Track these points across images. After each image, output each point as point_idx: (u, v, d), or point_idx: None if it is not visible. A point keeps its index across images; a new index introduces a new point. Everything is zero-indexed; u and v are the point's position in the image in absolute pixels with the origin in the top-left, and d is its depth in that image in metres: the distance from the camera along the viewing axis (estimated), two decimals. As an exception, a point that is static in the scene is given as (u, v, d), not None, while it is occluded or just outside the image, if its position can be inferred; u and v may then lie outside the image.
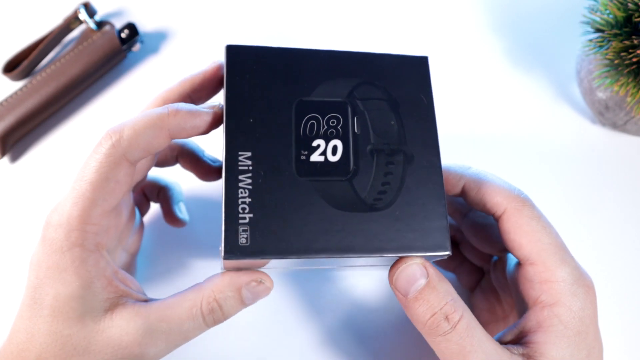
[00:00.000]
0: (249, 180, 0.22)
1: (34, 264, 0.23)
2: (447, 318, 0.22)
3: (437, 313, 0.22)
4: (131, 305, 0.23)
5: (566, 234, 0.36)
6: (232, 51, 0.24)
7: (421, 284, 0.22)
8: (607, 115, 0.36)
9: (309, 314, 0.33)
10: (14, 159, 0.37)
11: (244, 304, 0.24)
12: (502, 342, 0.24)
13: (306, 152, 0.23)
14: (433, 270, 0.23)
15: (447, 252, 0.23)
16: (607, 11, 0.33)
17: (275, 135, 0.23)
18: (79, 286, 0.22)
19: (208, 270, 0.29)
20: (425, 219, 0.23)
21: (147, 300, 0.24)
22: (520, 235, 0.24)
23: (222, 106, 0.24)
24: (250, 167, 0.23)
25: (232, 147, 0.23)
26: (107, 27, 0.38)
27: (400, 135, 0.24)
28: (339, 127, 0.24)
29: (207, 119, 0.23)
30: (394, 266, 0.23)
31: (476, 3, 0.43)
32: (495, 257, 0.30)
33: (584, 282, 0.24)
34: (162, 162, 0.30)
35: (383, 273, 0.33)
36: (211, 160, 0.31)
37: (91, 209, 0.22)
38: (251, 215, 0.22)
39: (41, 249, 0.23)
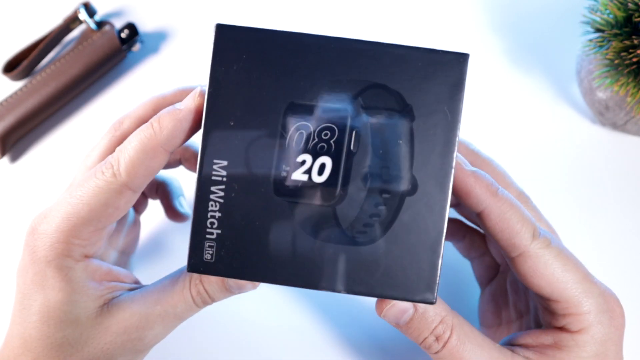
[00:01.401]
0: (222, 193, 0.20)
1: (21, 271, 0.23)
2: (437, 339, 0.23)
3: (428, 337, 0.23)
4: (124, 295, 0.23)
5: (566, 234, 0.36)
6: (222, 33, 0.21)
7: (409, 315, 0.23)
8: (607, 115, 0.36)
9: (307, 315, 0.33)
10: (14, 159, 0.37)
11: (229, 291, 0.23)
12: (513, 343, 0.25)
13: (288, 169, 0.20)
14: None
15: (432, 303, 0.21)
16: (607, 11, 0.33)
17: (257, 144, 0.20)
18: (69, 292, 0.22)
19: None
20: (411, 269, 0.20)
21: (140, 288, 0.24)
22: (539, 279, 0.23)
23: (204, 90, 0.21)
24: (224, 179, 0.20)
25: (207, 152, 0.20)
26: (107, 27, 0.38)
27: (406, 158, 0.20)
28: (331, 142, 0.20)
29: (190, 117, 0.21)
30: (381, 302, 0.23)
31: (476, 3, 0.43)
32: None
33: (608, 307, 0.23)
34: (165, 166, 0.30)
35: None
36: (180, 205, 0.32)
37: (82, 228, 0.22)
38: (219, 231, 0.20)
39: (26, 255, 0.23)
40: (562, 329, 0.24)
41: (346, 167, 0.20)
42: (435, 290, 0.20)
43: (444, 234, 0.20)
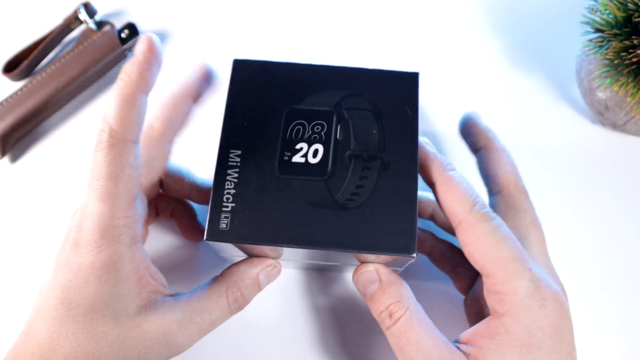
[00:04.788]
0: (236, 175, 0.25)
1: (63, 266, 0.23)
2: (390, 315, 0.25)
3: (384, 311, 0.25)
4: (161, 300, 0.24)
5: (566, 234, 0.36)
6: (237, 64, 0.28)
7: (374, 287, 0.25)
8: (607, 115, 0.36)
9: (304, 314, 0.33)
10: (14, 159, 0.37)
11: (260, 288, 0.27)
12: (459, 341, 0.25)
13: (289, 154, 0.26)
14: (385, 276, 0.26)
15: (412, 255, 0.24)
16: (607, 11, 0.33)
17: (264, 138, 0.26)
18: (114, 283, 0.23)
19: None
20: (394, 222, 0.25)
21: (173, 295, 0.25)
22: (473, 249, 0.24)
23: (150, 36, 0.23)
24: (238, 163, 0.25)
25: (225, 145, 0.26)
26: (107, 27, 0.38)
27: (380, 143, 0.26)
28: (322, 133, 0.26)
29: (147, 57, 0.23)
30: (356, 270, 0.26)
31: (475, 3, 0.43)
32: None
33: (540, 295, 0.23)
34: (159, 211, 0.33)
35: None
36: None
37: (118, 202, 0.23)
38: (233, 204, 0.25)
39: (72, 250, 0.23)
40: (494, 314, 0.24)
41: (334, 151, 0.26)
42: (415, 244, 0.24)
43: (417, 195, 0.25)
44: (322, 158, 0.26)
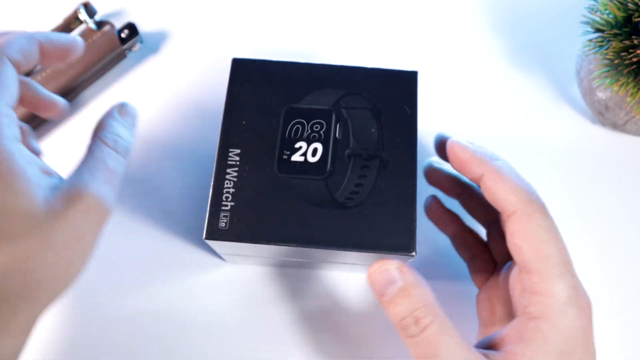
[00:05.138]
0: (235, 174, 0.25)
1: None
2: (417, 322, 0.23)
3: (408, 317, 0.23)
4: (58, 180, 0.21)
5: (565, 234, 0.35)
6: (236, 63, 0.28)
7: (394, 289, 0.23)
8: (607, 115, 0.36)
9: (302, 314, 0.33)
10: (14, 158, 0.37)
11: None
12: (484, 346, 0.24)
13: (288, 152, 0.26)
14: (410, 276, 0.24)
15: (412, 254, 0.24)
16: (607, 11, 0.33)
17: (263, 136, 0.26)
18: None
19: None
20: (393, 221, 0.24)
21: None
22: (524, 240, 0.23)
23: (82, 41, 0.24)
24: (238, 162, 0.25)
25: (224, 144, 0.26)
26: (107, 27, 0.38)
27: (379, 142, 0.26)
28: (321, 132, 0.26)
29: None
30: (372, 267, 0.24)
31: (475, 3, 0.43)
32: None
33: (578, 302, 0.23)
34: None
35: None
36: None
37: None
38: (232, 203, 0.25)
39: None
40: (527, 315, 0.23)
41: (333, 150, 0.26)
42: (414, 243, 0.24)
43: (416, 194, 0.25)
44: (321, 157, 0.26)
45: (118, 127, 0.23)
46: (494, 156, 0.25)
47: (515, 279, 0.25)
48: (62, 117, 0.29)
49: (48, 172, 0.21)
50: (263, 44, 0.41)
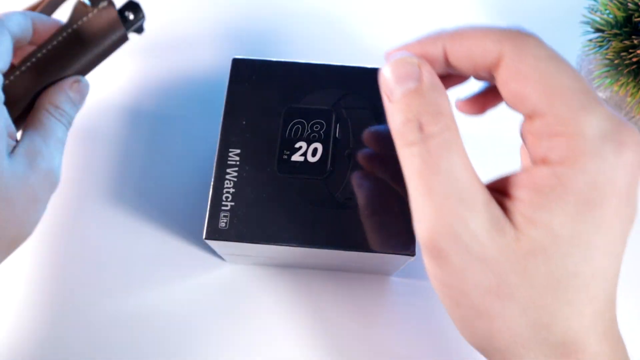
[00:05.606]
0: (235, 174, 0.25)
1: None
2: (420, 127, 0.18)
3: (412, 120, 0.18)
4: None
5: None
6: (236, 63, 0.27)
7: (410, 87, 0.18)
8: (607, 115, 0.36)
9: (300, 315, 0.33)
10: (14, 158, 0.37)
11: (74, 104, 0.27)
12: (488, 187, 0.19)
13: (288, 152, 0.26)
14: (429, 76, 0.18)
15: (412, 254, 0.24)
16: (607, 11, 0.33)
17: (264, 136, 0.26)
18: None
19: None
20: (391, 225, 0.24)
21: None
22: (522, 82, 0.18)
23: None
24: (238, 162, 0.25)
25: (224, 144, 0.26)
26: (103, 3, 0.28)
27: None
28: (321, 132, 0.26)
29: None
30: (388, 56, 0.19)
31: (475, 3, 0.43)
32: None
33: (618, 138, 0.17)
34: None
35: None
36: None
37: None
38: (233, 203, 0.25)
39: None
40: (541, 162, 0.17)
41: (333, 150, 0.26)
42: (414, 243, 0.24)
43: None
44: (321, 157, 0.26)
45: (67, 103, 0.25)
46: (437, 30, 0.20)
47: (523, 132, 0.19)
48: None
49: (13, 136, 0.24)
50: (263, 43, 0.41)
